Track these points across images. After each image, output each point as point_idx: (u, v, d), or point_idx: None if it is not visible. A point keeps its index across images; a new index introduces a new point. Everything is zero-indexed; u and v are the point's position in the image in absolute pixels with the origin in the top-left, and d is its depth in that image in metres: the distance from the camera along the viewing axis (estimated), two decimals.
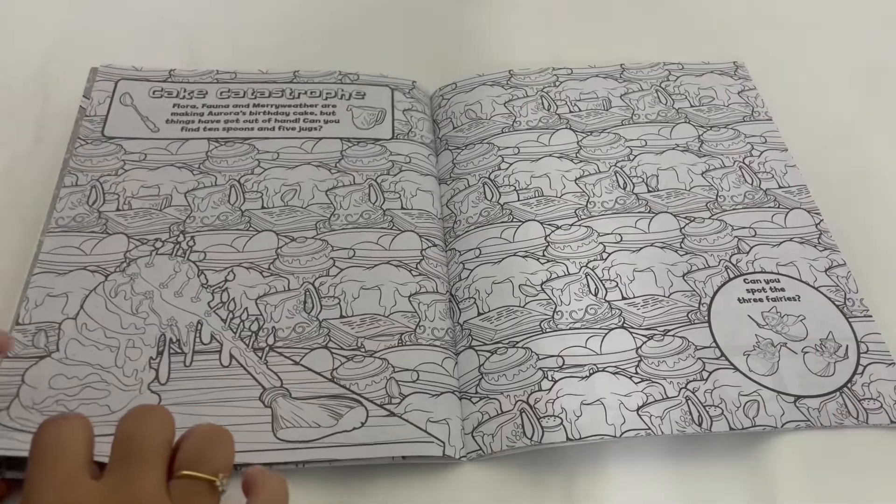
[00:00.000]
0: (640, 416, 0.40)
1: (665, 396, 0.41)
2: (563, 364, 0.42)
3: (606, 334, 0.44)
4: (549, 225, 0.49)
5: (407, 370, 0.42)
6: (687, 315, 0.45)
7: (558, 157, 0.52)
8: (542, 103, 0.56)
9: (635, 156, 0.53)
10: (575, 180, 0.51)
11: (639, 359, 0.43)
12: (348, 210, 0.49)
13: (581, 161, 0.52)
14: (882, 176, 0.54)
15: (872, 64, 0.62)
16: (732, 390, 0.42)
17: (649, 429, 0.40)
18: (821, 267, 0.47)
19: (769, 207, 0.50)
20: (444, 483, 0.40)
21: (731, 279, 0.47)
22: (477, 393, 0.42)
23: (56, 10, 0.62)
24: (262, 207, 0.48)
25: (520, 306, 0.45)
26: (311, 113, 0.54)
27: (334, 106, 0.55)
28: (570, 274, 0.46)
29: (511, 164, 0.52)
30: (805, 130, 0.56)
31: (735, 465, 0.41)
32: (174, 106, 0.54)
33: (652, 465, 0.41)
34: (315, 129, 0.53)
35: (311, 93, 0.55)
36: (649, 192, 0.51)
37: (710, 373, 0.43)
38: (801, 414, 0.41)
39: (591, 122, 0.55)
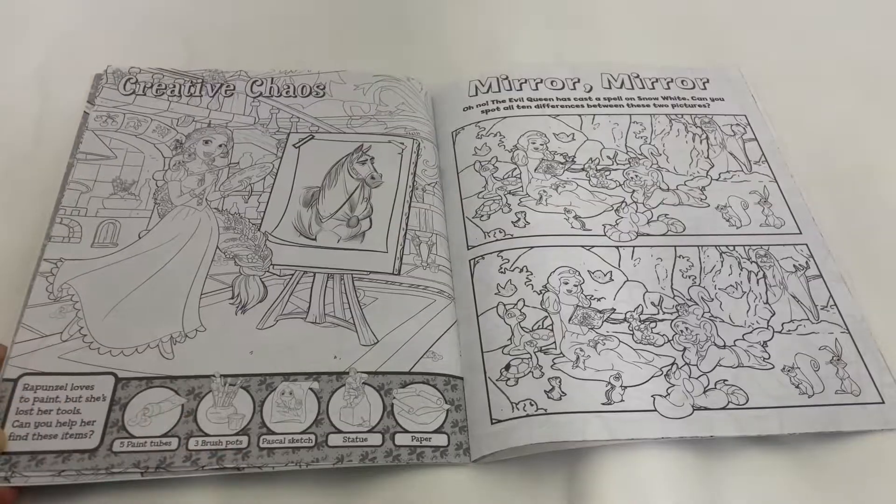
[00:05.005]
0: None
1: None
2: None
3: None
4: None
5: None
6: None
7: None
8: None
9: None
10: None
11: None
12: None
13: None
14: (882, 176, 0.54)
15: (872, 64, 0.62)
16: None
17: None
18: None
19: None
20: (445, 483, 0.40)
21: None
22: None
23: (56, 10, 0.62)
24: None
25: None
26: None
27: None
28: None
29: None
30: (805, 131, 0.56)
31: (734, 464, 0.41)
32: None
33: (652, 464, 0.41)
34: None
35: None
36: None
37: None
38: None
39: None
